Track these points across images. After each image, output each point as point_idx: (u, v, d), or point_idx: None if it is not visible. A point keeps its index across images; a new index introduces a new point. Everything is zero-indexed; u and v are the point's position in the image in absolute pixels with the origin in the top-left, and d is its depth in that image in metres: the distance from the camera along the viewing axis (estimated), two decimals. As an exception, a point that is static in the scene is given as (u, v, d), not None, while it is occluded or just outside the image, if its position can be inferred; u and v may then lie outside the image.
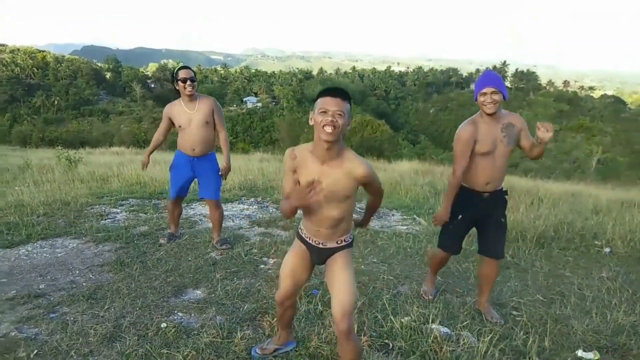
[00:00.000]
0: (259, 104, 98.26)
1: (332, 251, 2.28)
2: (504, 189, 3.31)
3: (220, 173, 4.35)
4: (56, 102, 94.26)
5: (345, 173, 2.09)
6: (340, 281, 2.18)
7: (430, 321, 3.10)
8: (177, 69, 4.20)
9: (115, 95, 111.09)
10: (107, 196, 6.63)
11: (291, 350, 2.72)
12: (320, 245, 2.28)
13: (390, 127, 39.26)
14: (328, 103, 2.01)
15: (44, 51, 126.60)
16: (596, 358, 3.00)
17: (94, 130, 56.17)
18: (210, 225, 5.16)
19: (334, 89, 2.05)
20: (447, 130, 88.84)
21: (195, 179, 4.45)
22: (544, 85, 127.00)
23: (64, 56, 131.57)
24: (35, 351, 2.60)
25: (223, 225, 4.72)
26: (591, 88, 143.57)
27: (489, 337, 2.89)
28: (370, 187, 2.24)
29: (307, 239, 2.32)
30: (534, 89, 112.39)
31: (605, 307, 3.66)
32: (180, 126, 4.19)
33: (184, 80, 4.07)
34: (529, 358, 2.79)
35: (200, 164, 4.31)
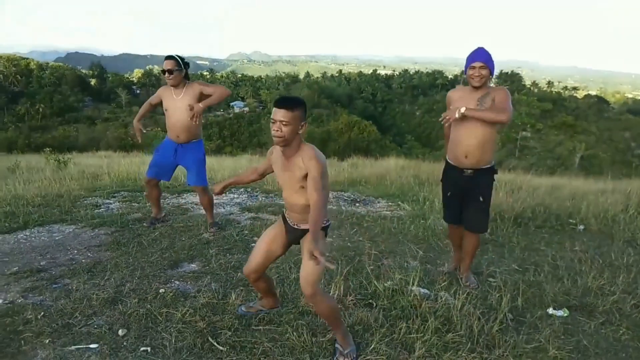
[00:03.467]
0: (246, 109, 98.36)
1: (304, 232, 2.51)
2: (494, 167, 3.49)
3: (190, 108, 4.29)
4: (41, 110, 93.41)
5: (299, 164, 2.34)
6: (305, 258, 2.42)
7: (410, 284, 3.32)
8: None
9: (101, 102, 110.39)
10: (99, 190, 6.78)
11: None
12: (295, 226, 2.55)
13: (377, 130, 39.59)
14: (275, 113, 2.28)
15: (27, 59, 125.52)
16: (565, 315, 3.26)
17: (80, 136, 55.90)
18: (202, 211, 5.36)
19: (280, 100, 2.30)
20: (433, 132, 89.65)
21: (181, 167, 4.64)
22: (528, 86, 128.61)
23: (47, 63, 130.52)
24: (42, 313, 2.79)
25: (215, 211, 4.92)
26: (575, 88, 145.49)
27: (464, 295, 3.13)
28: (307, 178, 2.31)
29: (287, 219, 2.59)
30: (518, 90, 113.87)
31: (577, 274, 3.91)
32: (167, 110, 4.37)
33: (164, 72, 4.28)
34: (502, 312, 3.03)
35: (185, 152, 4.47)
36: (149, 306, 2.87)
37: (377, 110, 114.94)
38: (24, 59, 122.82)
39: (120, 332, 2.60)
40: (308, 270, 2.36)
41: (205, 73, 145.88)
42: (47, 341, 2.51)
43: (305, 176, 2.31)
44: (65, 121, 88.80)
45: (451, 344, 2.63)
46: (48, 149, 14.10)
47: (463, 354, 2.54)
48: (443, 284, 3.40)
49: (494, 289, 3.47)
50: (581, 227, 5.41)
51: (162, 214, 4.95)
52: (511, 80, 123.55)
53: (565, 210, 5.88)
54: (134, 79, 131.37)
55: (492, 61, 3.31)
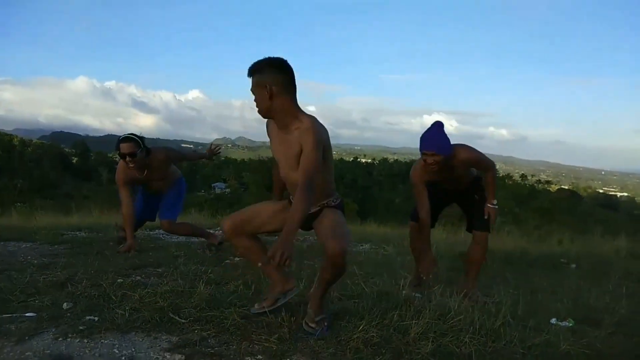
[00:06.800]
0: (228, 190, 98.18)
1: (316, 214, 2.24)
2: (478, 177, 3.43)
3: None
4: (19, 185, 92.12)
5: (295, 137, 2.08)
6: (325, 225, 2.14)
7: (400, 288, 3.00)
8: (119, 139, 3.83)
9: (82, 180, 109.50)
10: (67, 226, 6.35)
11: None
12: None
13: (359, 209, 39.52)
14: None
15: (11, 135, 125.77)
16: (571, 324, 2.94)
17: (56, 208, 54.64)
18: (175, 239, 4.99)
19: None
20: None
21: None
22: (503, 176, 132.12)
23: (31, 140, 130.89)
24: (-23, 291, 2.38)
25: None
26: (548, 182, 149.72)
27: (460, 296, 2.82)
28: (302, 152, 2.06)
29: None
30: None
31: (578, 296, 3.64)
32: (141, 187, 4.24)
33: (123, 157, 3.74)
34: (502, 315, 2.70)
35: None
36: (103, 287, 2.49)
37: (358, 197, 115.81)
38: (7, 134, 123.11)
39: (64, 306, 2.21)
40: (337, 231, 2.08)
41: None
42: (-24, 311, 2.11)
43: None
44: (42, 197, 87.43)
45: (451, 330, 2.28)
46: (19, 204, 13.53)
47: (465, 339, 2.19)
48: (436, 288, 3.07)
49: (491, 301, 3.16)
50: (573, 265, 5.16)
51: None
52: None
53: (556, 252, 5.66)
54: (117, 158, 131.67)
55: (442, 143, 3.06)
